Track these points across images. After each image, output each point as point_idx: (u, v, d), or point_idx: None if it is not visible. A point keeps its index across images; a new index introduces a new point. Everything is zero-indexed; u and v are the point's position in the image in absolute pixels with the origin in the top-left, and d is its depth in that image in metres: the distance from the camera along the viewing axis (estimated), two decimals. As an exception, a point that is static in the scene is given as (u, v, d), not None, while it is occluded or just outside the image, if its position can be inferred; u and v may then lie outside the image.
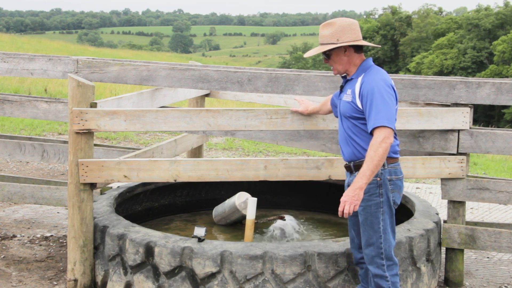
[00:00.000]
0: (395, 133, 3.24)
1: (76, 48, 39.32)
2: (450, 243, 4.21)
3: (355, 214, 3.33)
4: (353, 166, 3.28)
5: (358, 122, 3.22)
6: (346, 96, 3.27)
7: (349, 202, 3.05)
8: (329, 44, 3.22)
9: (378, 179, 3.19)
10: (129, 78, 4.21)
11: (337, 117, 3.51)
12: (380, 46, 3.74)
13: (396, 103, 3.19)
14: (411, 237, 3.86)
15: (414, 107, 4.23)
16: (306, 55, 3.41)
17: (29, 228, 5.42)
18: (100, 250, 3.97)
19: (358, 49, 3.27)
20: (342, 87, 3.36)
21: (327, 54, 3.28)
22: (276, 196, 5.45)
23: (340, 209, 3.07)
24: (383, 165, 3.18)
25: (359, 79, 3.21)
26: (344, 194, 3.10)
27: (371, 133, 3.09)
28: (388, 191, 3.21)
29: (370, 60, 3.30)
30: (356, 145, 3.25)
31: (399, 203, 3.31)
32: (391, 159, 3.22)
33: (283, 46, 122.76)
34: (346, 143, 3.30)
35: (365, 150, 3.18)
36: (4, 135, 5.20)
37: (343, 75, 3.35)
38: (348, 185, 3.32)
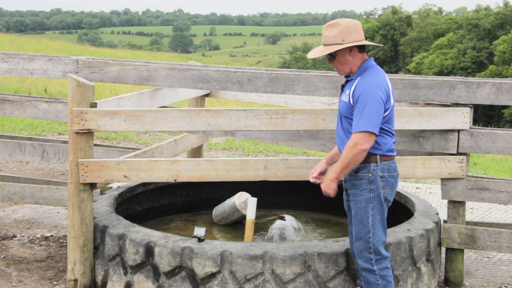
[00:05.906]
0: (392, 132, 3.32)
1: (76, 48, 39.31)
2: (450, 243, 4.21)
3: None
4: None
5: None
6: (344, 96, 3.32)
7: (323, 189, 3.35)
8: (334, 44, 3.23)
9: (370, 175, 3.25)
10: (129, 78, 4.21)
11: None
12: (382, 45, 3.73)
13: (385, 106, 3.19)
14: (411, 237, 3.86)
15: (414, 107, 4.23)
16: (310, 56, 3.40)
17: (29, 228, 5.42)
18: (100, 250, 3.97)
19: (361, 49, 3.29)
20: (343, 87, 3.39)
21: (332, 55, 3.30)
22: (276, 196, 5.45)
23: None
24: (376, 162, 3.25)
25: (356, 81, 3.24)
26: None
27: None
28: (379, 188, 3.26)
29: (371, 61, 3.31)
30: None
31: (391, 199, 3.34)
32: (384, 156, 3.28)
33: (283, 46, 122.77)
34: (343, 141, 3.34)
35: None
36: (4, 135, 5.20)
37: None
38: (345, 181, 3.44)
